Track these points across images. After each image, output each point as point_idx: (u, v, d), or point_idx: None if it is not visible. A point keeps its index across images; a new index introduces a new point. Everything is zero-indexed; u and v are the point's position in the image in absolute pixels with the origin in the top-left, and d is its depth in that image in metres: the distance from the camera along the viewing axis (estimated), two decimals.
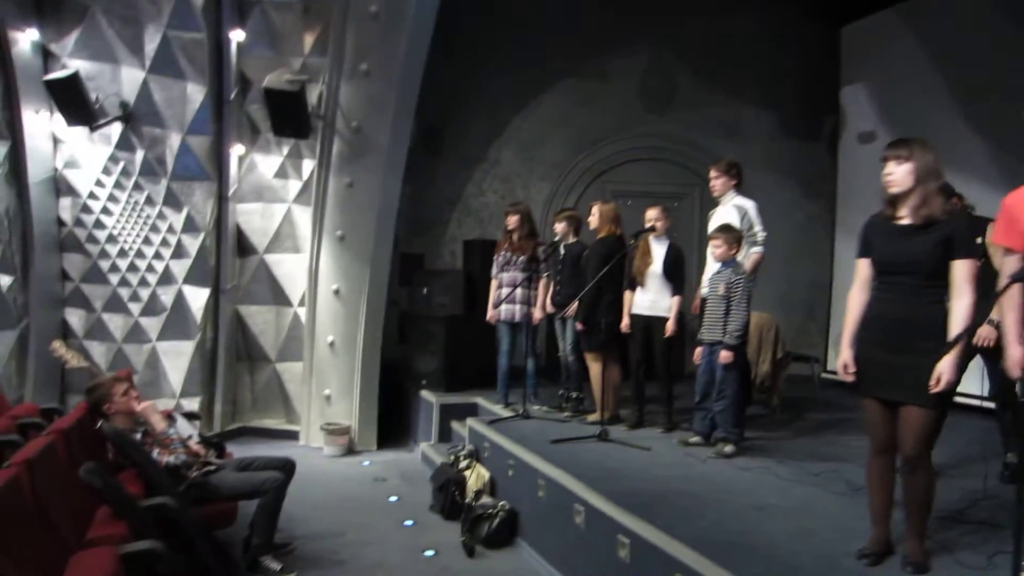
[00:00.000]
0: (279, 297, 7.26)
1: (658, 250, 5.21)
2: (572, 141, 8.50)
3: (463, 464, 5.28)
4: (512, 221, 6.06)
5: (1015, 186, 2.88)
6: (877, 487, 3.03)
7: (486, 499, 4.90)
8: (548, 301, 5.90)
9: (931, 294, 2.88)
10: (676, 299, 5.14)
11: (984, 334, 3.85)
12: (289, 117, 6.58)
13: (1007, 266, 2.85)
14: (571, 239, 5.86)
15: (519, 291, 5.97)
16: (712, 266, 4.87)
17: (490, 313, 6.11)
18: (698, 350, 4.81)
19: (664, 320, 5.13)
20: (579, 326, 5.36)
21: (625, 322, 5.28)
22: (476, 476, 5.13)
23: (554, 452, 4.60)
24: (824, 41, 8.34)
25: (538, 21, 8.14)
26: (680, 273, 5.20)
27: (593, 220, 5.55)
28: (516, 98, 8.36)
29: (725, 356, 4.53)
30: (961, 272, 2.84)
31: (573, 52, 8.26)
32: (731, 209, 5.06)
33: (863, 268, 3.07)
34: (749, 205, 5.04)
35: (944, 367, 2.74)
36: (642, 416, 5.38)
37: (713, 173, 5.15)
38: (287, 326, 7.27)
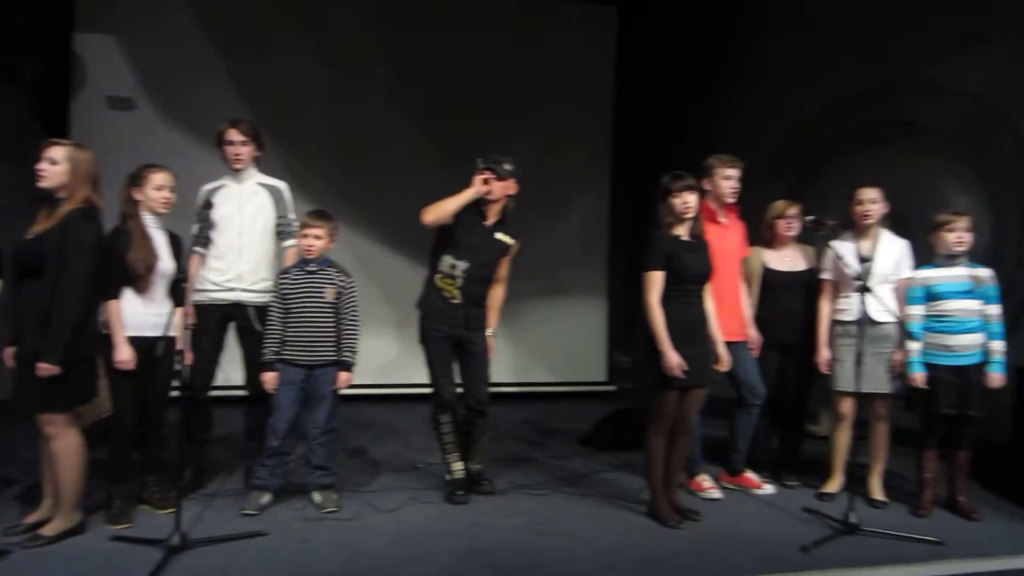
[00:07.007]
0: None
1: (159, 235, 3.45)
2: None
3: None
4: None
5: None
6: (659, 460, 3.50)
7: None
8: None
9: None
10: (182, 311, 3.54)
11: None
12: None
13: None
14: None
15: None
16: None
17: None
18: (271, 375, 3.58)
19: (174, 341, 3.45)
20: (48, 368, 2.92)
21: (126, 353, 3.24)
22: None
23: None
24: None
25: None
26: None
27: (52, 174, 3.09)
28: None
29: (345, 379, 3.61)
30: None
31: None
32: (258, 190, 3.89)
33: (660, 280, 3.38)
34: (283, 186, 3.98)
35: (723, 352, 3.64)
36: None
37: (238, 136, 3.78)
38: None
